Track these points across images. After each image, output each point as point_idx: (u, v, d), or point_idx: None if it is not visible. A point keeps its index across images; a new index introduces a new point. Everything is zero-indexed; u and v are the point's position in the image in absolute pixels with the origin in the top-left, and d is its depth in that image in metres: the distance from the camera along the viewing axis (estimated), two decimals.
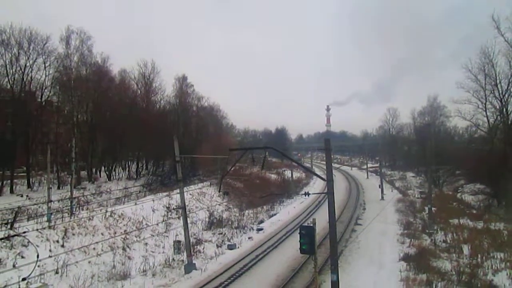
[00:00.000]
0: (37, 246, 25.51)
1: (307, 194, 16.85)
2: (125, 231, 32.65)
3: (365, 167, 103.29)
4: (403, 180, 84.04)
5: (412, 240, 32.19)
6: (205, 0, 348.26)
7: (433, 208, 39.25)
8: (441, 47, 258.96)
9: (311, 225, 15.06)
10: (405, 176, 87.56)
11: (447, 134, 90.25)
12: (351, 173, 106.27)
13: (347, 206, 52.26)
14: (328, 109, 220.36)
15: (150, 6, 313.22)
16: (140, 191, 47.82)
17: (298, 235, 15.24)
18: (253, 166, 65.91)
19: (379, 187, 63.11)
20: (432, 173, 52.15)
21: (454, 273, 23.15)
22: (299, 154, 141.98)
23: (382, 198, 59.51)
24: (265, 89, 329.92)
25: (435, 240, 32.00)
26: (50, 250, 25.44)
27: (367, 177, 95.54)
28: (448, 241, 31.80)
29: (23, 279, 14.68)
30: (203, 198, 49.92)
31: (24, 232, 24.63)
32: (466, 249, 28.96)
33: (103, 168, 61.87)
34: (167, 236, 33.90)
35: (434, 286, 21.03)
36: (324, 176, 16.79)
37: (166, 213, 39.46)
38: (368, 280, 22.92)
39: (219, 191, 43.80)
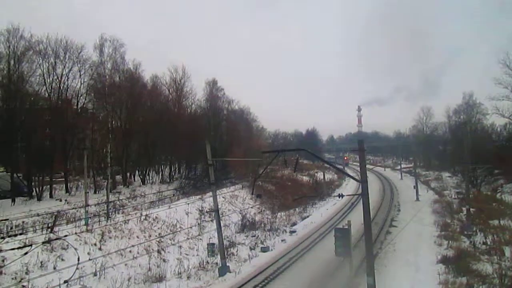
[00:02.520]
0: (76, 249, 26.27)
1: (340, 195, 16.62)
2: (159, 234, 33.16)
3: (398, 167, 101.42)
4: (438, 180, 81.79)
5: (450, 242, 31.28)
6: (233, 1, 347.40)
7: (471, 209, 38.07)
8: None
9: (346, 227, 14.85)
10: (441, 176, 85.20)
11: (484, 132, 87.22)
12: (384, 174, 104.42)
13: (381, 208, 51.37)
14: (359, 110, 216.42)
15: (176, 11, 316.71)
16: (174, 195, 48.45)
17: (333, 238, 15.06)
18: (285, 168, 65.71)
19: (414, 187, 61.77)
20: (470, 173, 50.48)
21: (496, 276, 22.31)
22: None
23: (417, 199, 58.22)
24: (294, 89, 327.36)
25: (475, 242, 30.96)
26: (88, 253, 26.06)
27: (401, 178, 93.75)
28: (489, 243, 30.67)
29: (65, 282, 15.09)
30: (235, 200, 50.13)
31: (66, 235, 25.37)
32: (508, 251, 27.87)
33: (137, 172, 63.06)
34: (200, 239, 34.22)
35: None
36: (357, 177, 16.55)
37: (199, 216, 39.83)
38: (405, 283, 22.41)
39: (252, 194, 43.88)
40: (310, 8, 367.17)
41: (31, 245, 18.54)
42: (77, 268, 23.79)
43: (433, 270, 24.64)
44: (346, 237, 14.36)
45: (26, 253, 20.11)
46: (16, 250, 19.36)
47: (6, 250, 17.69)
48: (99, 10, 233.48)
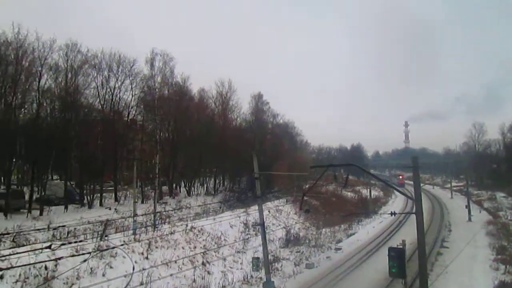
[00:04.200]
0: (124, 257, 26.84)
1: (393, 213, 16.05)
2: (204, 246, 33.34)
3: (448, 186, 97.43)
4: (492, 200, 77.72)
5: (508, 266, 29.45)
6: (279, 9, 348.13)
7: None
8: None
9: (401, 246, 14.28)
10: (494, 196, 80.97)
11: None
12: (433, 192, 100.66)
13: (431, 227, 49.32)
14: (406, 125, 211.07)
15: (222, 23, 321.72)
16: (220, 208, 48.71)
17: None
18: (330, 183, 64.80)
19: (466, 207, 59.01)
20: None
21: None
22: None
23: (470, 219, 55.55)
24: (338, 103, 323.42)
25: None
26: (135, 262, 26.52)
27: (451, 197, 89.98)
28: None
29: None
30: (279, 215, 49.79)
31: (122, 245, 25.92)
32: None
33: (182, 183, 64.08)
34: (244, 253, 34.08)
35: None
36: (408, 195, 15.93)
37: (244, 229, 39.78)
38: None
39: (300, 209, 43.35)
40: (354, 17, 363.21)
41: (90, 253, 19.07)
42: (124, 276, 24.41)
43: None
44: (400, 257, 13.76)
45: (85, 261, 20.77)
46: (75, 257, 20.05)
47: (66, 257, 18.27)
48: (143, 25, 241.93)
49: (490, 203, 74.01)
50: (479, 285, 25.84)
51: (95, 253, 23.18)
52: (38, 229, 27.06)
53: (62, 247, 17.60)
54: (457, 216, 59.64)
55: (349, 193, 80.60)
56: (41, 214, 39.32)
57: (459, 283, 26.21)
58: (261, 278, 27.38)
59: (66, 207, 43.09)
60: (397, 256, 13.93)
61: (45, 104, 46.53)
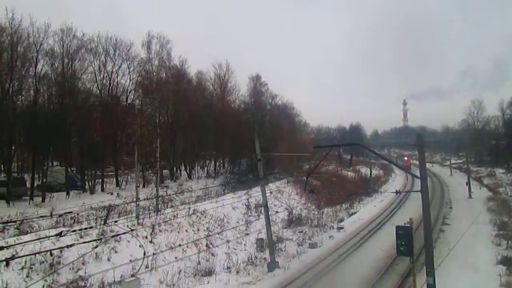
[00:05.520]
0: (128, 241, 26.94)
1: (398, 192, 16.02)
2: (207, 228, 33.49)
3: (447, 163, 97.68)
4: (491, 177, 77.99)
5: (510, 242, 29.62)
6: None
7: None
8: None
9: (408, 225, 14.28)
10: (494, 173, 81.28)
11: None
12: (432, 170, 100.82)
13: (432, 205, 48.70)
14: (404, 104, 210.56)
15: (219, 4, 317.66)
16: (223, 190, 48.77)
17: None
18: (330, 164, 64.94)
19: (466, 184, 59.23)
20: None
21: None
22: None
23: (470, 196, 55.82)
24: (336, 82, 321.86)
25: None
26: (140, 246, 26.61)
27: (451, 174, 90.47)
28: None
29: (132, 276, 15.67)
30: (281, 196, 49.93)
31: (132, 230, 25.99)
32: None
33: (183, 167, 64.09)
34: (247, 234, 34.25)
35: None
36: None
37: (246, 211, 39.92)
38: (463, 285, 21.42)
39: (305, 190, 43.49)
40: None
41: (100, 239, 19.20)
42: (130, 261, 24.54)
43: (493, 271, 23.47)
44: (409, 236, 13.77)
45: (96, 247, 20.89)
46: (88, 243, 20.12)
47: (78, 243, 18.38)
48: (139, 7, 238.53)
49: (489, 180, 74.27)
50: (481, 261, 25.97)
51: (106, 239, 23.28)
52: (42, 216, 27.09)
53: (68, 233, 17.64)
54: (457, 193, 59.93)
55: (349, 173, 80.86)
56: (43, 200, 39.36)
57: (462, 259, 26.31)
58: (265, 258, 27.56)
59: (67, 193, 43.17)
60: (405, 235, 13.94)
61: (42, 91, 46.11)
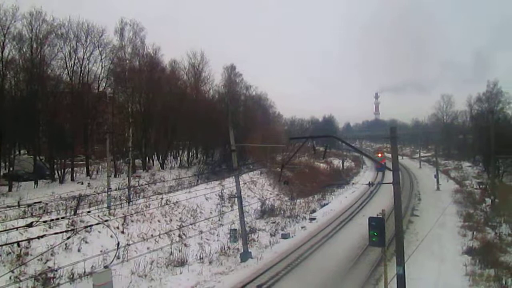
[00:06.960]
0: (99, 231, 26.48)
1: (371, 184, 16.29)
2: (180, 218, 33.30)
3: (416, 156, 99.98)
4: (458, 170, 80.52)
5: (475, 233, 30.67)
6: None
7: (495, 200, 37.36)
8: None
9: (380, 216, 14.55)
10: (461, 166, 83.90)
11: (506, 121, 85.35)
12: (402, 163, 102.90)
13: (401, 197, 50.68)
14: (376, 97, 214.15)
15: None
16: (197, 180, 48.34)
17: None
18: (302, 155, 65.41)
19: (434, 177, 60.88)
20: (495, 163, 49.31)
21: None
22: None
23: (438, 188, 57.41)
24: (311, 75, 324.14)
25: (500, 234, 30.34)
26: (111, 236, 26.21)
27: (420, 167, 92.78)
28: None
29: (105, 267, 15.49)
30: (254, 187, 50.12)
31: (106, 220, 25.49)
32: None
33: (155, 157, 63.32)
34: (221, 225, 34.24)
35: (504, 282, 19.89)
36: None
37: (219, 201, 39.86)
38: (430, 274, 22.04)
39: (279, 181, 43.66)
40: None
41: (73, 230, 18.77)
42: (100, 251, 24.13)
43: (458, 261, 24.24)
44: (381, 227, 14.05)
45: (69, 238, 20.39)
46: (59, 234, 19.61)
47: (50, 234, 17.89)
48: None
49: (456, 173, 76.66)
50: (448, 251, 26.81)
51: (78, 230, 22.80)
52: (9, 206, 26.28)
53: (38, 224, 17.19)
54: (426, 185, 61.54)
55: (322, 164, 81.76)
56: (10, 190, 38.18)
57: (430, 250, 27.09)
58: (238, 249, 27.64)
59: (36, 183, 41.97)
60: (377, 226, 14.21)
61: (9, 76, 44.52)
